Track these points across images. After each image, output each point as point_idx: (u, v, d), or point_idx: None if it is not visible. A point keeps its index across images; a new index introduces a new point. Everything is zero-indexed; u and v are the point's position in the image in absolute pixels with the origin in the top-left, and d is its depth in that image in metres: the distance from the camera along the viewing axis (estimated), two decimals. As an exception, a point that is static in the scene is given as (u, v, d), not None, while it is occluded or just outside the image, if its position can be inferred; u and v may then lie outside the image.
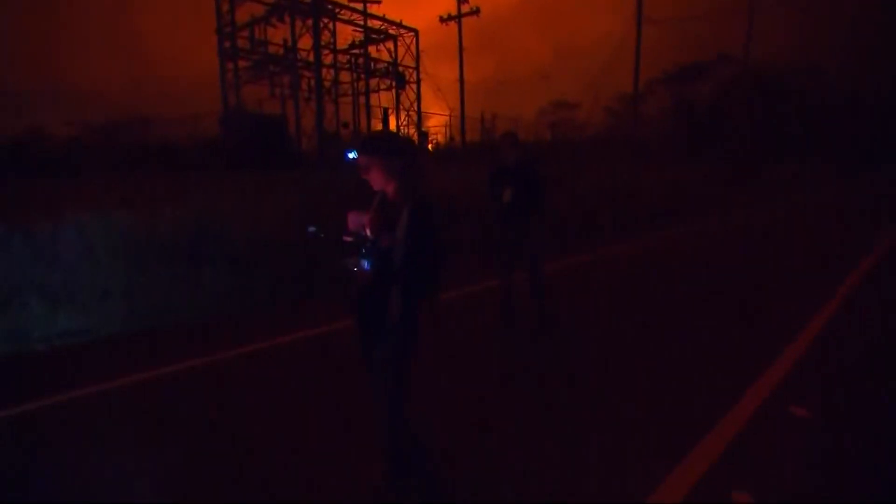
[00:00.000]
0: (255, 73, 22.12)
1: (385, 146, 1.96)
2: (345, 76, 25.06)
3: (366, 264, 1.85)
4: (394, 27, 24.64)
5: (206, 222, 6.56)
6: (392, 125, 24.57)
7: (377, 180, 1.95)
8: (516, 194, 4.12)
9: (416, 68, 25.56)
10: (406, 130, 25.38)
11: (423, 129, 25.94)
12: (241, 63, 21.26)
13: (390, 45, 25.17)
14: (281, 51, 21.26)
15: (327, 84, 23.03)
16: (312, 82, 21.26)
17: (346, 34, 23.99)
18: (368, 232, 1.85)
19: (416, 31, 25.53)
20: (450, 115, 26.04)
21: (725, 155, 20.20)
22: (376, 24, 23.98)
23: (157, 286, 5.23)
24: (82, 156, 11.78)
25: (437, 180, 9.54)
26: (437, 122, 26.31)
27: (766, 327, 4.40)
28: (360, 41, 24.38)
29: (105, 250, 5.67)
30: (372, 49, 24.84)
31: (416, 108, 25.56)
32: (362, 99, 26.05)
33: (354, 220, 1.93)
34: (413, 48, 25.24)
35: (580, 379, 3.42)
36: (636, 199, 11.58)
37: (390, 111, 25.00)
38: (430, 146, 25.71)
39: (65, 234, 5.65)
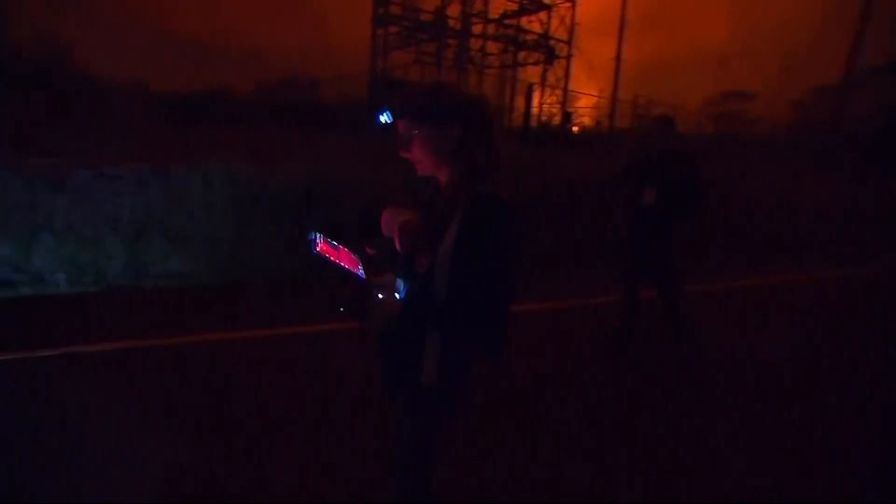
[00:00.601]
0: (404, 40, 22.41)
1: (434, 109, 1.18)
2: (492, 47, 24.22)
3: (402, 290, 1.20)
4: (551, -5, 22.94)
5: (323, 185, 6.48)
6: (536, 102, 23.22)
7: (424, 162, 1.22)
8: (661, 194, 3.18)
9: (570, 42, 23.68)
10: (550, 110, 23.83)
11: (570, 109, 24.10)
12: (392, 29, 21.66)
13: (543, 15, 23.57)
14: (431, 18, 21.17)
15: (473, 54, 22.51)
16: (459, 52, 20.91)
17: (499, 2, 22.99)
18: (398, 244, 1.17)
19: (573, 1, 23.53)
20: (600, 97, 23.77)
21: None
22: (531, -10, 22.53)
23: (259, 241, 5.26)
24: (248, 109, 12.93)
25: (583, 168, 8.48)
26: (586, 104, 24.14)
27: None
28: (512, 11, 23.22)
29: (227, 199, 5.86)
30: (523, 20, 23.52)
31: (563, 86, 23.85)
32: (509, 73, 25.05)
33: (390, 221, 1.24)
34: (568, 20, 23.35)
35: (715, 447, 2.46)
36: (826, 218, 9.29)
37: (536, 87, 23.65)
38: (575, 128, 23.93)
39: (195, 179, 5.94)
